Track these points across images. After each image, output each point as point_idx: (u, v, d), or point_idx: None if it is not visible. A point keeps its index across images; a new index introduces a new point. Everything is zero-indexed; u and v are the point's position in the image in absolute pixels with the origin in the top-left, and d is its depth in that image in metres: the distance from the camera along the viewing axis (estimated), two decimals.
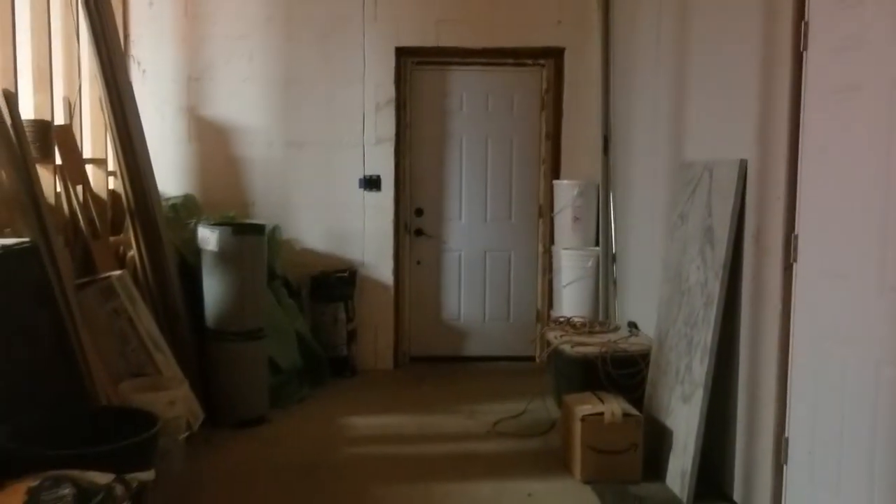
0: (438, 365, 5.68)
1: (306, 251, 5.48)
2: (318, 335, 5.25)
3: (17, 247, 3.17)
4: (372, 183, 5.45)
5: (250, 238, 4.41)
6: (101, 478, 2.46)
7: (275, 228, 5.19)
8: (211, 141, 5.41)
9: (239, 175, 5.44)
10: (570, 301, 5.04)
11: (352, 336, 5.42)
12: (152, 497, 2.77)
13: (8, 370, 2.99)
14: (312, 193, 5.47)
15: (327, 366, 5.22)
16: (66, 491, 2.30)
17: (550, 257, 5.52)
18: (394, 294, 5.56)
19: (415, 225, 5.70)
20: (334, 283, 5.32)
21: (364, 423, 4.44)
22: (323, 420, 4.43)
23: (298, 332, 5.04)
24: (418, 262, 5.74)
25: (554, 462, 3.76)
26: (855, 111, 2.55)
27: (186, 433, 3.62)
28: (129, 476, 2.56)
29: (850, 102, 2.58)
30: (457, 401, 4.81)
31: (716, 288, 3.22)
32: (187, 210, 4.96)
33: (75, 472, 2.44)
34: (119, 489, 2.46)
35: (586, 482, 3.46)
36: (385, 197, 5.48)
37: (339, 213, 5.49)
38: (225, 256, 4.26)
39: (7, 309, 3.04)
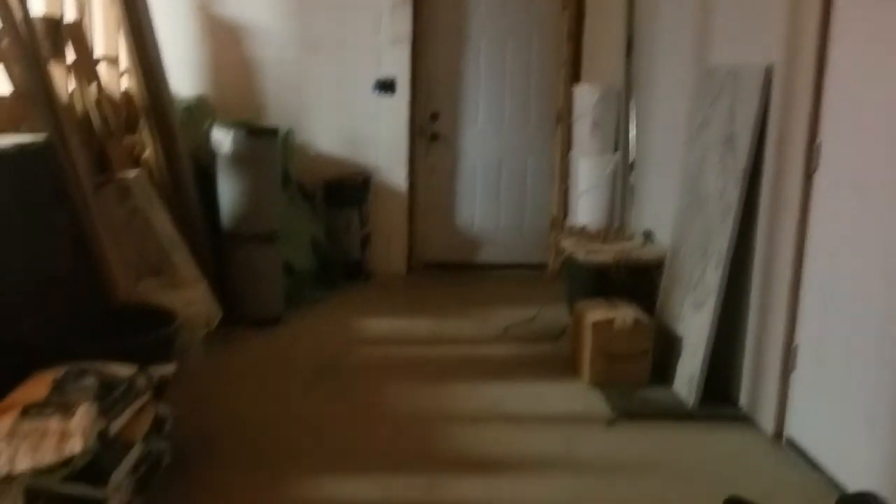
0: (451, 271, 5.73)
1: (320, 156, 5.44)
2: (331, 240, 5.28)
3: (33, 144, 3.17)
4: (386, 86, 5.35)
5: (264, 141, 4.38)
6: (124, 370, 2.53)
7: (288, 132, 5.14)
8: (224, 41, 5.30)
9: (252, 77, 5.36)
10: (586, 209, 5.01)
11: (365, 241, 5.45)
12: (172, 390, 2.87)
13: (30, 266, 3.05)
14: (326, 97, 5.39)
15: (341, 270, 5.28)
16: (90, 382, 2.38)
17: (567, 164, 5.46)
18: (408, 200, 5.55)
19: (430, 130, 5.63)
20: (348, 188, 5.31)
21: (377, 325, 4.52)
22: (336, 321, 4.52)
23: (313, 237, 5.07)
24: (433, 168, 5.70)
25: (563, 366, 3.83)
26: (887, 17, 2.45)
27: (204, 331, 3.70)
28: (150, 369, 2.64)
29: (882, 7, 2.47)
30: (468, 306, 4.88)
31: (734, 196, 3.19)
32: (200, 112, 4.91)
33: (98, 365, 2.51)
34: (141, 381, 2.54)
35: (594, 385, 3.53)
36: (400, 100, 5.39)
37: (353, 117, 5.42)
38: (239, 159, 4.25)
39: (26, 206, 3.06)
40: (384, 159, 5.47)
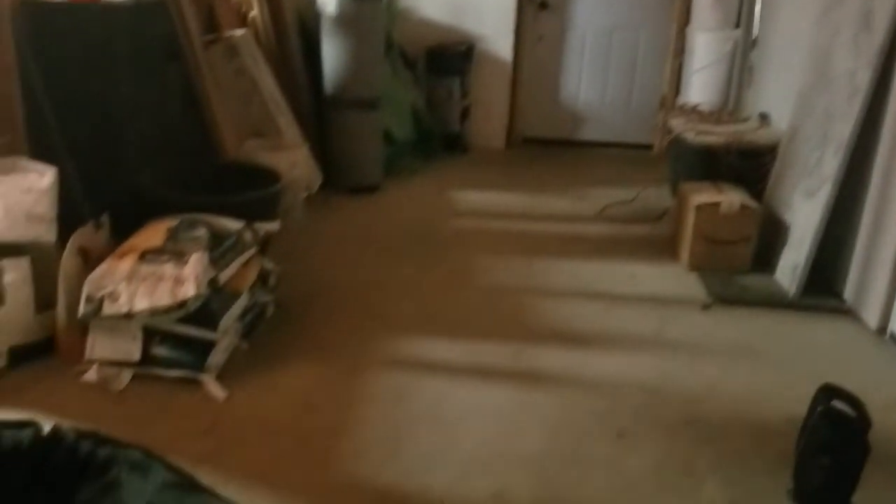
0: (551, 147, 5.63)
1: (423, 22, 5.32)
2: (431, 110, 5.24)
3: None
4: None
5: (369, 3, 4.30)
6: (232, 224, 2.65)
7: None
8: None
9: None
10: (700, 88, 4.76)
11: (465, 113, 5.38)
12: (275, 248, 2.99)
13: (147, 120, 3.17)
14: None
15: (440, 141, 5.26)
16: (202, 232, 2.50)
17: (683, 39, 5.15)
18: (511, 71, 5.41)
19: None
20: (451, 56, 5.21)
21: (473, 197, 4.53)
22: (433, 192, 4.55)
23: (413, 106, 5.04)
24: (540, 38, 5.49)
25: (662, 248, 3.76)
26: None
27: (305, 194, 3.80)
28: (256, 225, 2.75)
29: None
30: (567, 184, 4.80)
31: (866, 77, 2.94)
32: None
33: (209, 217, 2.63)
34: (248, 235, 2.65)
35: (692, 269, 3.46)
36: None
37: None
38: (343, 21, 4.20)
39: (142, 61, 3.15)
40: (489, 27, 5.30)
